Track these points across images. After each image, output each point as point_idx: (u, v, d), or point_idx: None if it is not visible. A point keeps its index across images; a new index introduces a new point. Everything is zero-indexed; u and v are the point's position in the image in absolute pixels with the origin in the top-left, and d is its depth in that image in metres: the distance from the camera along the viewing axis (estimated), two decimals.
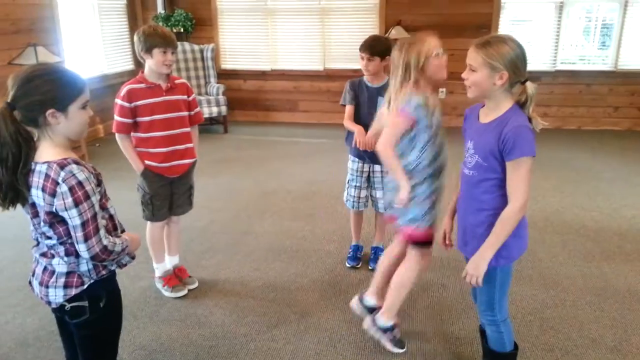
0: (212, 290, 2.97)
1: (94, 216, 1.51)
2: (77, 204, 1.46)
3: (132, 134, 2.73)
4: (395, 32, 6.57)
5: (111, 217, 1.67)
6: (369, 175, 3.12)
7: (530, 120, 1.77)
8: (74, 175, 1.46)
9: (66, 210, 1.47)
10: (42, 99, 1.47)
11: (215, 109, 6.59)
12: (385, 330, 2.40)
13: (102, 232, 1.53)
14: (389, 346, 2.40)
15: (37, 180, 1.49)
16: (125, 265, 1.72)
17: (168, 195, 2.85)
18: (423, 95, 2.16)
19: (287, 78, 7.34)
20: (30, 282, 1.68)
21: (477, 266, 1.82)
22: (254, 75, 7.39)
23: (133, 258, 1.74)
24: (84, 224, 1.49)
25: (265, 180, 4.94)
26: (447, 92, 6.84)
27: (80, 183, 1.47)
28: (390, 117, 2.21)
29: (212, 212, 4.10)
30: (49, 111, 1.47)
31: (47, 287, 1.60)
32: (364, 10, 6.91)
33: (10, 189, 1.50)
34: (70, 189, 1.46)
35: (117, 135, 2.71)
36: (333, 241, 3.60)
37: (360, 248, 3.31)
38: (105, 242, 1.53)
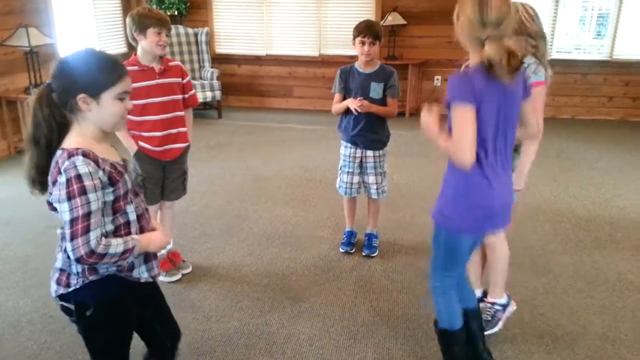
0: (206, 275, 2.98)
1: (87, 215, 1.37)
2: (69, 197, 1.37)
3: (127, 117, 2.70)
4: (392, 18, 6.53)
5: (127, 224, 1.51)
6: (361, 161, 3.12)
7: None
8: (75, 166, 1.38)
9: (59, 202, 1.39)
10: (75, 81, 1.42)
11: (209, 94, 6.54)
12: (504, 307, 2.43)
13: (92, 233, 1.38)
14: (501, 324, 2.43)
15: (52, 166, 1.45)
16: (138, 279, 1.55)
17: (160, 178, 2.84)
18: None
19: (282, 63, 7.30)
20: None
21: (429, 121, 1.80)
22: (249, 60, 7.34)
23: (154, 277, 1.59)
24: (72, 221, 1.37)
25: (260, 166, 4.93)
26: (442, 79, 6.83)
27: (79, 176, 1.37)
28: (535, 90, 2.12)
29: (206, 197, 4.10)
30: (80, 96, 1.42)
31: (51, 277, 1.56)
32: None
33: (43, 172, 1.46)
34: (68, 180, 1.37)
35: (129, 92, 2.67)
36: (327, 227, 3.60)
37: (354, 234, 3.32)
38: (92, 244, 1.38)
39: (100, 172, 1.42)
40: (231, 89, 7.34)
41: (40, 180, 1.48)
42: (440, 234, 1.93)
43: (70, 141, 1.45)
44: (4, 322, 2.53)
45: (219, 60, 7.18)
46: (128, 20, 2.63)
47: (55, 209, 1.44)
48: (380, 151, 3.11)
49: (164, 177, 2.84)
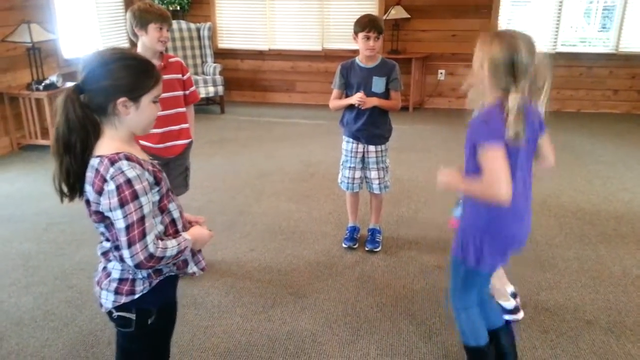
0: (208, 271, 2.94)
1: (141, 219, 1.35)
2: (122, 204, 1.32)
3: None
4: (395, 12, 6.49)
5: (173, 222, 1.50)
6: (363, 156, 3.10)
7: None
8: (122, 172, 1.32)
9: (111, 210, 1.33)
10: (116, 84, 1.36)
11: (211, 89, 6.52)
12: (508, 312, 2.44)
13: (149, 237, 1.36)
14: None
15: (89, 175, 1.37)
16: (192, 274, 1.56)
17: None
18: None
19: (285, 58, 7.27)
20: (95, 277, 1.56)
21: (449, 178, 1.81)
22: (251, 55, 7.32)
23: (202, 270, 1.58)
24: (128, 227, 1.33)
25: (262, 161, 4.92)
26: (446, 73, 6.79)
27: (129, 181, 1.32)
28: None
29: (208, 193, 4.09)
30: (121, 99, 1.36)
31: (101, 288, 1.49)
32: None
33: (78, 179, 1.39)
34: (118, 187, 1.31)
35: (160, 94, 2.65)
36: (330, 222, 3.59)
37: (357, 229, 3.31)
38: (151, 248, 1.36)
39: (146, 174, 1.38)
40: (234, 84, 7.32)
41: (71, 188, 1.41)
42: (458, 267, 1.92)
43: (105, 147, 1.38)
44: (6, 319, 2.53)
45: (221, 55, 7.16)
46: (128, 15, 2.62)
47: (98, 218, 1.39)
48: (382, 146, 3.08)
49: (166, 174, 2.82)
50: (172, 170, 2.84)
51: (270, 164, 4.81)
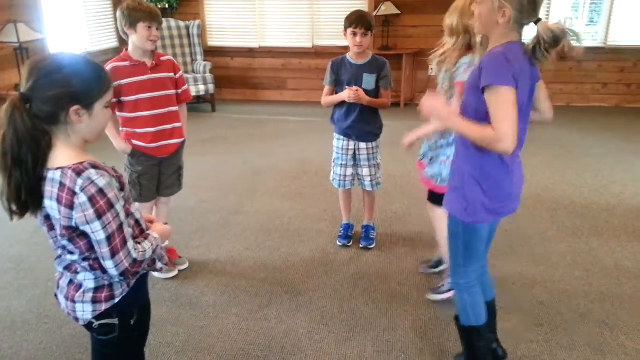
0: (202, 271, 2.96)
1: (120, 227, 1.32)
2: (99, 215, 1.28)
3: (118, 113, 2.67)
4: (385, 8, 6.49)
5: (137, 222, 1.47)
6: (354, 153, 3.09)
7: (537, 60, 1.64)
8: (93, 182, 1.27)
9: (88, 223, 1.28)
10: (67, 92, 1.28)
11: (202, 87, 6.49)
12: None
13: (130, 243, 1.35)
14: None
15: (50, 189, 1.29)
16: (160, 270, 1.54)
17: (156, 175, 2.81)
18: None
19: (276, 55, 7.25)
20: (55, 295, 1.51)
21: (438, 110, 1.74)
22: (242, 52, 7.28)
23: (166, 264, 1.55)
24: (109, 238, 1.30)
25: (255, 159, 4.90)
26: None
27: (101, 191, 1.28)
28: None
29: (201, 192, 4.07)
30: (74, 108, 1.29)
31: (73, 302, 1.43)
32: None
33: (31, 194, 1.30)
34: (91, 198, 1.26)
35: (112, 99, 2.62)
36: (324, 220, 3.58)
37: (351, 227, 3.31)
38: (134, 254, 1.35)
39: (114, 180, 1.34)
40: (224, 82, 7.28)
41: (32, 202, 1.32)
42: (457, 228, 1.85)
43: (63, 158, 1.31)
44: None
45: (211, 53, 7.12)
46: (118, 14, 2.59)
47: (68, 232, 1.32)
48: (374, 143, 3.08)
49: (159, 173, 2.81)
50: (166, 169, 2.83)
51: (263, 162, 4.79)
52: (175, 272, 2.90)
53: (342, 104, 2.98)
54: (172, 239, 3.11)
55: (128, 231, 1.36)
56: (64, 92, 1.28)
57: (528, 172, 4.32)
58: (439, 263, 2.85)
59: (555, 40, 1.58)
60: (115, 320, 1.45)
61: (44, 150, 1.30)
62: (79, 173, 1.27)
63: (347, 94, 2.88)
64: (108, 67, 2.58)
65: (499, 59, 1.59)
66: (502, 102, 1.57)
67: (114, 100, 2.59)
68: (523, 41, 1.67)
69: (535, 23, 1.63)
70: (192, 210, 3.75)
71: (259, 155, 5.00)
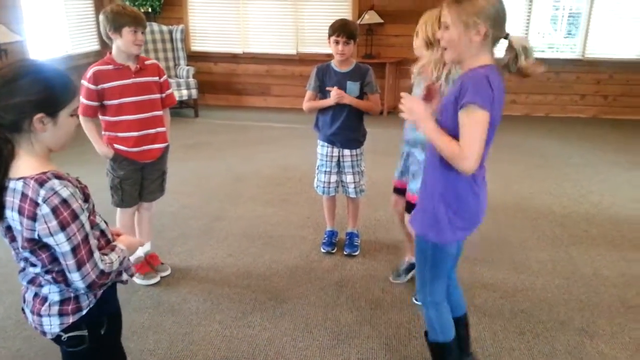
0: (185, 277, 2.92)
1: (86, 238, 1.29)
2: (63, 227, 1.24)
3: (100, 117, 2.64)
4: (368, 17, 6.54)
5: (103, 233, 1.45)
6: (338, 160, 3.10)
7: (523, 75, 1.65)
8: (56, 192, 1.24)
9: (51, 235, 1.25)
10: (31, 100, 1.25)
11: (185, 92, 6.45)
12: None
13: (96, 254, 1.32)
14: None
15: (11, 200, 1.26)
16: (125, 282, 1.50)
17: (139, 180, 2.77)
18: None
19: (260, 62, 7.24)
20: (22, 310, 1.48)
21: (415, 112, 1.70)
22: (225, 58, 7.26)
23: (132, 276, 1.54)
24: (74, 249, 1.27)
25: (238, 165, 4.88)
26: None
27: (64, 201, 1.25)
28: None
29: (183, 197, 4.03)
30: (37, 116, 1.26)
31: (39, 315, 1.40)
32: None
33: None
34: (54, 209, 1.23)
35: (81, 118, 2.57)
36: (307, 227, 3.58)
37: (335, 233, 3.31)
38: (101, 265, 1.32)
39: (78, 191, 1.31)
40: (208, 87, 7.25)
41: None
42: (426, 248, 1.83)
43: (25, 167, 1.27)
44: None
45: (194, 58, 7.08)
46: (101, 18, 2.56)
47: (30, 245, 1.29)
48: (357, 150, 3.09)
49: (142, 178, 2.78)
50: (149, 174, 2.80)
51: (246, 168, 4.77)
52: (157, 279, 2.86)
53: (327, 110, 2.99)
54: (154, 245, 3.08)
55: (94, 242, 1.33)
56: (28, 99, 1.25)
57: (509, 180, 4.44)
58: (411, 268, 2.85)
59: (526, 52, 1.61)
60: (85, 332, 1.43)
61: (6, 160, 1.27)
62: (41, 183, 1.24)
63: (333, 100, 2.88)
64: (90, 70, 2.55)
65: (482, 81, 1.58)
66: (476, 123, 1.57)
67: (97, 103, 2.56)
68: (497, 59, 1.67)
69: (505, 37, 1.64)
70: (174, 216, 3.72)
71: (242, 161, 4.98)
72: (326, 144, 3.09)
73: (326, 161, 3.11)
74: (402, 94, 1.77)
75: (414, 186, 2.55)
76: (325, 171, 3.13)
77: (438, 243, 1.81)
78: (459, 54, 1.65)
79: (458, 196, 1.74)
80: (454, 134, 1.63)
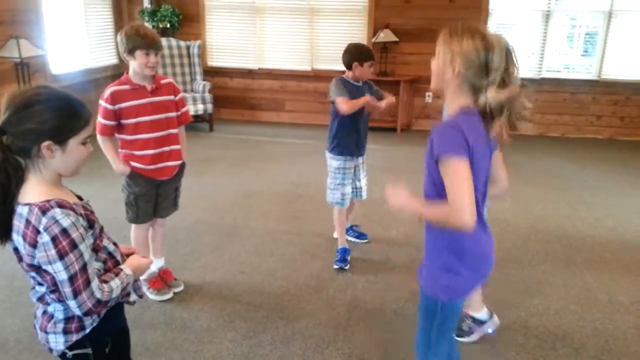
0: (197, 294, 2.94)
1: (83, 267, 1.31)
2: (61, 256, 1.27)
3: (117, 136, 2.68)
4: (384, 35, 6.58)
5: (110, 255, 1.46)
6: (354, 169, 3.35)
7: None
8: (57, 222, 1.27)
9: (50, 263, 1.28)
10: (40, 128, 1.28)
11: (201, 107, 6.53)
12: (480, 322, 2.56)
13: (94, 283, 1.33)
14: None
15: (18, 224, 1.30)
16: (133, 303, 1.53)
17: (153, 196, 2.81)
18: None
19: (274, 77, 7.31)
20: (34, 326, 1.51)
21: (403, 201, 1.62)
22: (241, 73, 7.34)
23: (140, 297, 1.56)
24: (71, 278, 1.29)
25: (251, 180, 4.91)
26: (433, 96, 6.88)
27: (64, 231, 1.27)
28: None
29: (197, 212, 4.06)
30: (45, 143, 1.29)
31: (46, 332, 1.43)
32: (353, 12, 6.91)
33: (1, 224, 1.32)
34: (53, 239, 1.26)
35: (98, 137, 2.62)
36: (319, 245, 3.59)
37: (348, 251, 3.33)
38: (98, 294, 1.33)
39: (81, 219, 1.33)
40: (223, 102, 7.33)
41: (2, 233, 1.33)
42: (434, 306, 1.70)
43: (32, 193, 1.31)
44: None
45: (211, 73, 7.18)
46: (118, 39, 2.60)
47: (32, 269, 1.33)
48: (365, 155, 3.39)
49: (157, 194, 2.81)
50: (163, 191, 2.83)
51: (259, 184, 4.80)
52: (170, 295, 2.88)
53: (354, 122, 3.17)
54: (168, 261, 3.10)
55: (93, 271, 1.35)
56: (37, 127, 1.28)
57: (523, 201, 4.41)
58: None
59: (500, 109, 1.51)
60: (89, 350, 1.45)
61: (15, 184, 1.30)
62: (44, 212, 1.27)
63: (386, 104, 3.18)
64: (108, 90, 2.59)
65: (449, 130, 1.54)
66: (453, 173, 1.49)
67: (113, 123, 2.60)
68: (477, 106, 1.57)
69: (486, 88, 1.53)
70: (188, 231, 3.74)
71: (255, 177, 5.01)
72: (349, 157, 3.24)
73: (348, 174, 3.29)
74: (389, 188, 1.67)
75: None
76: (347, 183, 3.30)
77: (448, 301, 1.69)
78: (439, 85, 1.63)
79: (465, 248, 1.63)
80: (439, 187, 1.54)
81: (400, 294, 2.98)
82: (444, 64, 1.56)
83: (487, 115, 1.53)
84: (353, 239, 3.59)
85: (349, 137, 3.18)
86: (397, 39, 6.65)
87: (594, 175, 5.34)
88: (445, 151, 1.49)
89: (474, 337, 2.56)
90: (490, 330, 2.56)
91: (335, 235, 3.48)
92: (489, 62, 1.51)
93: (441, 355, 1.78)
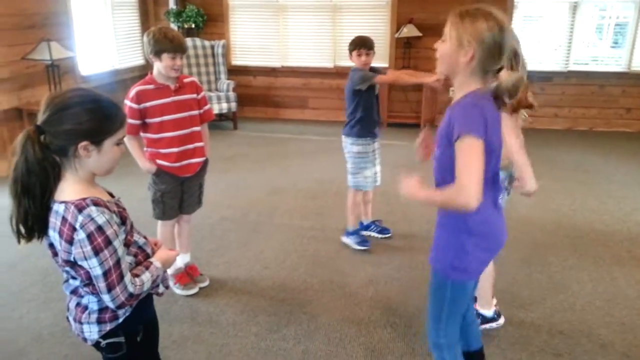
0: (222, 289, 3.00)
1: (117, 262, 1.37)
2: (97, 252, 1.33)
3: (143, 134, 2.75)
4: (407, 30, 6.55)
5: (141, 249, 1.53)
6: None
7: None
8: (92, 219, 1.32)
9: (85, 259, 1.34)
10: (77, 129, 1.34)
11: (225, 105, 6.61)
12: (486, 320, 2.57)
13: (127, 278, 1.39)
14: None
15: (54, 221, 1.36)
16: (161, 294, 1.61)
17: (179, 193, 2.87)
18: None
19: (297, 75, 7.34)
20: (67, 318, 1.57)
21: (410, 189, 1.62)
22: (264, 71, 7.40)
23: (167, 288, 1.63)
24: (105, 274, 1.35)
25: (275, 177, 4.96)
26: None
27: (100, 228, 1.33)
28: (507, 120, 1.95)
29: (222, 209, 4.13)
30: (82, 143, 1.35)
31: (81, 323, 1.50)
32: (376, 8, 6.89)
33: (37, 221, 1.37)
34: (89, 235, 1.32)
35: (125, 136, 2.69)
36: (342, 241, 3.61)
37: (362, 227, 3.65)
38: (131, 288, 1.39)
39: (114, 216, 1.39)
40: (247, 100, 7.40)
41: (38, 229, 1.39)
42: (444, 285, 1.73)
43: (68, 191, 1.37)
44: (26, 334, 2.57)
45: (234, 72, 7.25)
46: (145, 40, 2.66)
47: (68, 264, 1.39)
48: (379, 139, 3.48)
49: (182, 191, 2.87)
50: (188, 188, 2.90)
51: (283, 181, 4.85)
52: (196, 290, 2.94)
53: (369, 105, 3.34)
54: (194, 256, 3.17)
55: (126, 265, 1.41)
56: (75, 127, 1.34)
57: (550, 196, 4.35)
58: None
59: (515, 89, 1.53)
60: (122, 339, 1.51)
61: (52, 182, 1.36)
62: (80, 209, 1.33)
63: (434, 79, 3.15)
64: (133, 90, 2.65)
65: (470, 110, 1.51)
66: (467, 152, 1.46)
67: (138, 122, 2.67)
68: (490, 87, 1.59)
69: (498, 71, 1.55)
70: (213, 228, 3.81)
71: (279, 174, 5.06)
72: (368, 138, 3.37)
73: (370, 156, 3.41)
74: (402, 179, 1.66)
75: None
76: (372, 165, 3.43)
77: (459, 281, 1.71)
78: (448, 70, 1.60)
79: (477, 228, 1.64)
80: (450, 167, 1.53)
81: (423, 291, 2.96)
82: (457, 47, 1.52)
83: (500, 98, 1.54)
84: (375, 234, 3.63)
85: (369, 118, 3.34)
86: (420, 34, 6.61)
87: (623, 169, 5.23)
88: (466, 130, 1.47)
89: None
90: (493, 325, 2.58)
91: (345, 239, 3.55)
92: (503, 44, 1.49)
93: (452, 335, 1.80)
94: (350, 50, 3.32)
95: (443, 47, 1.58)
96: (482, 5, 1.56)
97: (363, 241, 3.48)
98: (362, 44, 3.28)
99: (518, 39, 1.55)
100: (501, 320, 2.59)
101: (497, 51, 1.50)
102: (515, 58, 1.54)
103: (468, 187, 1.44)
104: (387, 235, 3.64)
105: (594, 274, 3.16)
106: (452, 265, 1.69)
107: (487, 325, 2.57)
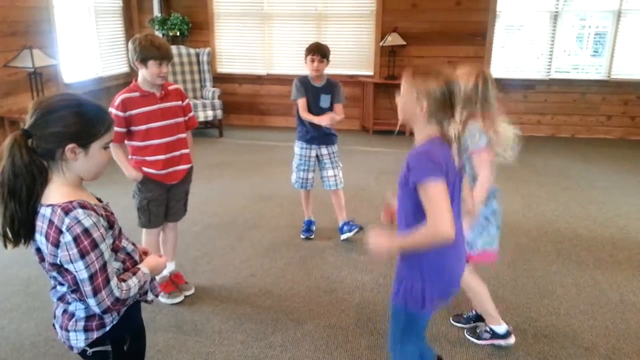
0: (208, 297, 2.97)
1: (103, 266, 1.35)
2: (83, 255, 1.32)
3: (127, 142, 2.72)
4: (391, 39, 6.61)
5: (129, 255, 1.52)
6: (316, 158, 3.62)
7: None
8: (79, 222, 1.32)
9: (71, 262, 1.33)
10: (64, 131, 1.34)
11: (210, 113, 6.59)
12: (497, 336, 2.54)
13: (113, 282, 1.38)
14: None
15: (41, 224, 1.35)
16: (150, 302, 1.58)
17: (165, 201, 2.85)
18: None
19: (283, 82, 7.34)
20: (53, 325, 1.55)
21: (380, 240, 1.73)
22: (250, 79, 7.41)
23: (157, 296, 1.61)
24: (91, 277, 1.34)
25: (261, 185, 4.95)
26: None
27: (86, 231, 1.32)
28: (477, 158, 2.25)
29: (207, 217, 4.10)
30: (69, 146, 1.35)
31: (67, 330, 1.48)
32: (361, 17, 6.94)
33: (23, 225, 1.36)
34: (75, 238, 1.31)
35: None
36: (329, 248, 3.61)
37: (312, 222, 3.83)
38: (117, 293, 1.38)
39: (102, 220, 1.38)
40: (232, 108, 7.39)
41: (24, 233, 1.38)
42: (400, 314, 1.84)
43: (55, 194, 1.36)
44: (7, 345, 2.52)
45: (220, 79, 7.25)
46: (130, 47, 2.64)
47: (54, 268, 1.38)
48: (334, 147, 3.64)
49: (167, 199, 2.85)
50: (174, 196, 2.88)
51: (269, 188, 4.84)
52: (181, 298, 2.92)
53: (303, 120, 3.52)
54: (179, 264, 3.14)
55: (112, 270, 1.39)
56: (61, 130, 1.34)
57: (533, 202, 4.40)
58: (475, 319, 2.70)
59: (458, 137, 1.70)
60: (108, 347, 1.49)
61: (39, 186, 1.35)
62: (67, 212, 1.32)
63: (327, 120, 3.37)
64: (119, 98, 2.63)
65: (423, 156, 1.67)
66: (432, 194, 1.61)
67: (123, 130, 2.65)
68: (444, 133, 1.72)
69: (450, 120, 1.70)
70: (199, 235, 3.78)
71: (265, 181, 5.05)
72: (305, 144, 3.60)
73: (305, 160, 3.63)
74: (369, 234, 1.76)
75: (471, 239, 2.38)
76: (304, 169, 3.65)
77: (412, 311, 1.79)
78: (407, 119, 1.77)
79: (431, 260, 1.73)
80: (412, 209, 1.69)
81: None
82: (413, 100, 1.70)
83: (451, 142, 1.70)
84: (350, 235, 3.64)
85: (303, 129, 3.56)
86: (404, 43, 6.67)
87: (604, 175, 5.31)
88: (423, 176, 1.63)
89: (481, 342, 2.54)
90: (502, 343, 2.52)
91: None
92: (452, 97, 1.68)
93: (409, 356, 1.90)
94: (305, 56, 3.46)
95: (401, 100, 1.76)
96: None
97: (305, 230, 3.76)
98: (314, 50, 3.41)
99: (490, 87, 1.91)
100: (511, 340, 2.51)
101: (448, 104, 1.68)
102: (486, 102, 1.86)
103: (443, 222, 1.59)
104: (355, 230, 3.62)
105: (578, 278, 3.20)
106: (406, 295, 1.77)
107: (496, 342, 2.51)
